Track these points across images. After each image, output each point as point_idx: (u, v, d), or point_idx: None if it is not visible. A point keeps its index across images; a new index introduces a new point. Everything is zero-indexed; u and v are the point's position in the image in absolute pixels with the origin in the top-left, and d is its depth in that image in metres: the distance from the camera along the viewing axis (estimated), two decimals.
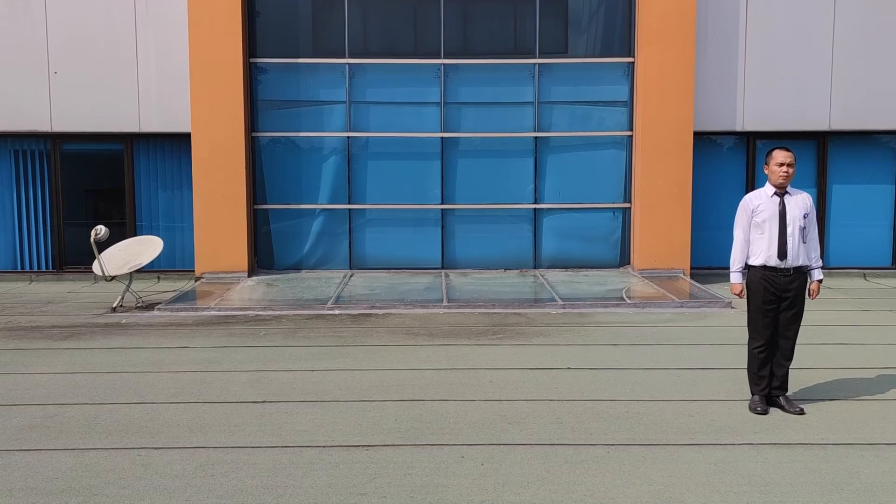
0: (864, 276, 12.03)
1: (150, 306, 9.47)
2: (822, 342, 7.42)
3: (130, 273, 9.70)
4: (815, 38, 11.78)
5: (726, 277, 11.89)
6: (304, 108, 11.78)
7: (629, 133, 11.67)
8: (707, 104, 11.73)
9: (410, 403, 5.42)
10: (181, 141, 11.74)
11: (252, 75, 11.59)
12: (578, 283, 10.86)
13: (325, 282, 11.02)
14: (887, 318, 8.71)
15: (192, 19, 11.05)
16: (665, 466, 4.24)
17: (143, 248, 9.98)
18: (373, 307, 9.24)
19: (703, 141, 11.98)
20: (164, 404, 5.45)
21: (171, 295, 10.26)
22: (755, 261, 5.20)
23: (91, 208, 12.37)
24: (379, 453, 4.46)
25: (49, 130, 11.84)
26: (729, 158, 12.25)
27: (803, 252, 5.17)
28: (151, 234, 11.44)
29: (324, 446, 4.57)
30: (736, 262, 5.30)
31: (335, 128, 11.74)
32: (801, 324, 5.26)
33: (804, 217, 5.15)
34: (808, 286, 5.29)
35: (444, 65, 11.64)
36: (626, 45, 11.64)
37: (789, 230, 5.12)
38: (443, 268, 11.81)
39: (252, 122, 11.61)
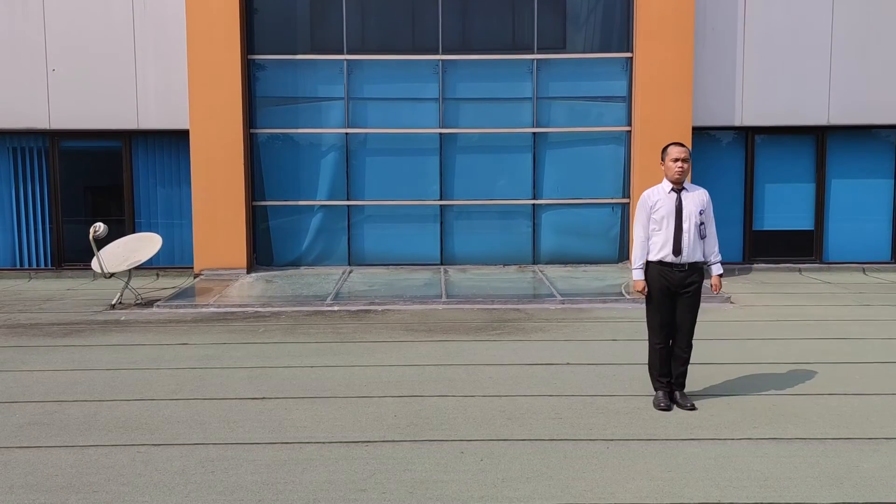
0: (864, 270, 12.04)
1: (149, 303, 9.47)
2: (821, 337, 7.43)
3: (129, 270, 9.70)
4: (814, 32, 11.77)
5: (725, 273, 11.90)
6: (302, 104, 11.76)
7: (628, 128, 11.66)
8: (706, 99, 11.73)
9: (410, 399, 5.43)
10: (180, 138, 11.73)
11: (250, 72, 11.57)
12: (577, 278, 10.86)
13: (324, 278, 11.02)
14: (886, 312, 8.72)
15: (191, 16, 11.03)
16: (665, 461, 4.24)
17: (142, 245, 9.97)
18: (372, 303, 9.24)
19: (702, 136, 11.98)
20: (164, 401, 5.45)
21: (170, 292, 10.25)
22: (653, 256, 5.19)
23: (90, 205, 12.36)
24: (378, 449, 4.46)
25: (47, 128, 11.82)
26: (727, 153, 12.25)
27: (699, 248, 5.17)
28: (150, 231, 11.43)
29: (323, 442, 4.58)
30: (637, 260, 5.27)
31: (333, 124, 11.74)
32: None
33: (700, 213, 5.14)
34: (710, 281, 5.34)
35: (443, 61, 11.63)
36: (624, 40, 11.63)
37: (685, 226, 5.11)
38: (441, 264, 11.82)
39: (250, 118, 11.60)
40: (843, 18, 11.75)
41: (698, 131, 11.76)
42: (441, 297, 9.52)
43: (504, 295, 9.56)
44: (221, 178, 11.21)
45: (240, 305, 9.25)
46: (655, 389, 5.29)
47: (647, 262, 5.23)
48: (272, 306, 9.19)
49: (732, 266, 12.15)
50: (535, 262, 11.85)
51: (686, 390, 5.35)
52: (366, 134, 11.78)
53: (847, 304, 9.33)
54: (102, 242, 9.86)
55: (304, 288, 10.32)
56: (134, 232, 11.59)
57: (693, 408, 5.14)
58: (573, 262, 11.81)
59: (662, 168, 5.27)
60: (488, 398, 5.43)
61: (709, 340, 7.34)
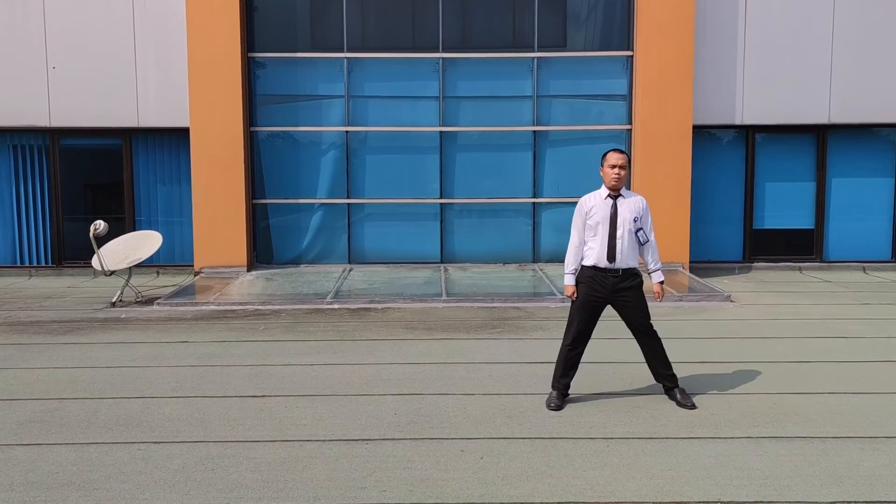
0: (864, 269, 12.04)
1: (149, 301, 9.47)
2: (821, 335, 7.43)
3: (130, 268, 9.70)
4: (815, 30, 11.76)
5: (725, 272, 12.00)
6: (302, 102, 11.76)
7: (628, 127, 11.66)
8: (706, 98, 11.72)
9: (410, 397, 5.43)
10: (180, 136, 11.73)
11: (250, 70, 11.56)
12: None
13: (324, 276, 11.02)
14: (886, 311, 8.72)
15: (191, 14, 11.02)
16: (665, 460, 4.24)
17: (143, 243, 9.97)
18: (372, 301, 9.24)
19: (702, 135, 11.97)
20: (164, 398, 5.45)
21: (170, 290, 10.25)
22: (587, 261, 5.20)
23: (90, 203, 12.36)
24: (378, 447, 4.46)
25: (48, 125, 11.82)
26: (728, 152, 12.24)
27: (633, 254, 5.18)
28: (150, 228, 11.42)
29: (323, 440, 4.58)
30: (570, 265, 5.27)
31: (334, 122, 11.73)
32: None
33: (635, 220, 5.15)
34: (652, 289, 5.36)
35: (443, 59, 11.62)
36: (625, 38, 11.62)
37: (619, 233, 5.12)
38: (442, 262, 11.82)
39: (250, 116, 11.59)
40: (843, 16, 11.74)
41: (699, 130, 11.75)
42: (441, 295, 9.52)
43: (504, 293, 9.56)
44: (221, 175, 11.21)
45: (240, 303, 9.25)
46: (552, 388, 5.27)
47: (582, 266, 5.24)
48: (272, 304, 9.19)
49: (733, 265, 12.16)
50: (535, 261, 11.85)
51: (687, 388, 5.34)
52: (366, 132, 11.77)
53: (847, 302, 9.33)
54: (103, 240, 9.86)
55: (304, 286, 10.32)
56: (134, 230, 11.59)
57: (693, 406, 5.14)
58: None
59: (601, 174, 5.25)
60: (488, 396, 5.43)
61: (709, 339, 7.35)
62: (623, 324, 5.38)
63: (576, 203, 5.34)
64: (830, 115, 11.89)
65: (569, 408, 5.15)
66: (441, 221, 11.85)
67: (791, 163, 12.23)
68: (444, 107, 11.69)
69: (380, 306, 9.09)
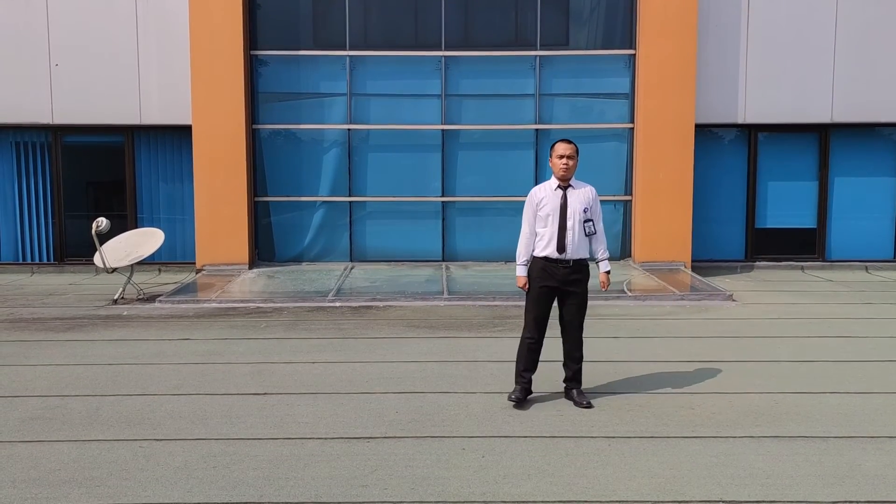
0: (866, 268, 12.03)
1: (151, 298, 9.47)
2: (823, 335, 7.43)
3: (131, 265, 9.71)
4: (817, 29, 11.74)
5: (728, 271, 12.00)
6: (304, 100, 11.76)
7: (630, 125, 11.64)
8: (708, 96, 11.70)
9: (411, 395, 5.43)
10: (182, 133, 11.73)
11: (253, 67, 11.56)
12: None
13: (326, 274, 11.02)
14: (889, 310, 8.70)
15: (193, 11, 11.02)
16: (666, 459, 4.24)
17: (144, 241, 9.98)
18: (373, 299, 9.24)
19: (705, 133, 11.96)
20: (166, 396, 5.46)
21: (172, 287, 10.26)
22: (538, 252, 5.19)
23: (92, 200, 12.37)
24: (380, 445, 4.46)
25: (50, 122, 11.82)
26: (730, 151, 12.23)
27: (584, 245, 5.17)
28: (152, 226, 11.42)
29: (325, 438, 4.58)
30: (521, 256, 5.27)
31: (336, 120, 11.73)
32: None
33: (585, 210, 5.14)
34: (598, 278, 5.35)
35: (445, 57, 11.62)
36: (627, 37, 11.61)
37: (569, 224, 5.11)
38: (443, 260, 11.81)
39: (253, 114, 11.59)
40: (846, 16, 11.71)
41: (701, 129, 11.73)
42: (443, 293, 9.52)
43: (506, 291, 9.54)
44: (223, 173, 11.21)
45: (242, 301, 9.25)
46: (515, 383, 5.26)
47: (533, 258, 5.22)
48: (274, 302, 9.20)
49: (735, 264, 12.15)
50: None
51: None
52: (368, 130, 11.77)
53: (850, 302, 9.32)
54: (105, 237, 9.86)
55: (305, 284, 10.32)
56: (136, 227, 11.59)
57: (589, 405, 5.11)
58: None
59: (550, 165, 5.24)
60: (490, 395, 5.43)
61: (711, 338, 7.34)
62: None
63: None
64: (833, 115, 11.88)
65: (569, 407, 5.14)
66: (443, 220, 11.84)
67: (793, 162, 12.22)
68: (446, 105, 11.68)
69: (381, 304, 9.09)
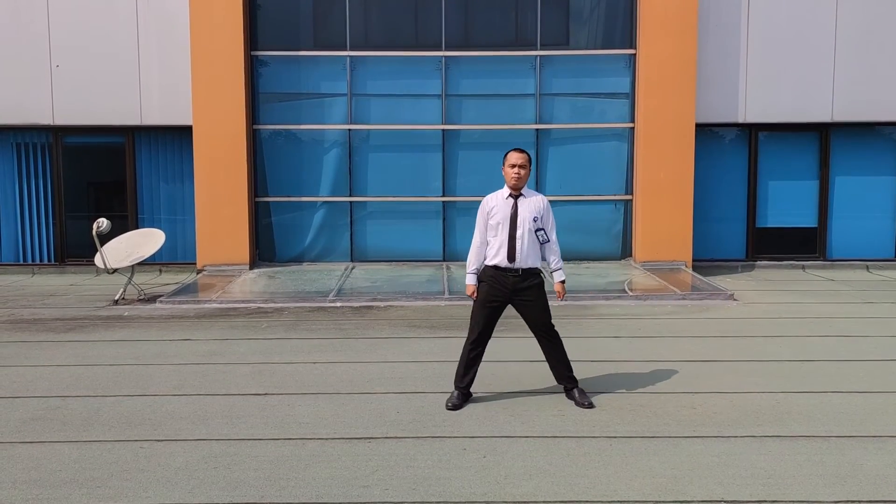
0: (867, 267, 12.02)
1: (152, 299, 9.47)
2: (825, 334, 7.42)
3: (132, 266, 9.71)
4: (818, 29, 11.73)
5: (728, 270, 11.98)
6: (305, 100, 11.76)
7: (631, 125, 11.64)
8: (709, 96, 11.70)
9: (412, 395, 5.43)
10: (182, 134, 11.74)
11: (253, 68, 11.56)
12: (580, 275, 10.85)
13: (327, 274, 11.02)
14: (890, 310, 8.70)
15: (194, 12, 11.02)
16: (668, 459, 4.23)
17: (145, 241, 9.98)
18: (374, 299, 9.24)
19: (705, 133, 11.95)
20: (167, 396, 5.45)
21: (172, 287, 10.26)
22: (489, 261, 5.18)
23: (93, 201, 12.37)
24: (381, 446, 4.46)
25: (51, 123, 11.83)
26: (731, 150, 12.22)
27: (534, 254, 5.15)
28: (153, 226, 11.43)
29: (326, 438, 4.58)
30: (471, 264, 5.26)
31: (336, 120, 11.73)
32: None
33: (534, 220, 5.13)
34: (553, 288, 5.33)
35: (446, 57, 11.61)
36: (627, 36, 11.61)
37: (519, 232, 5.10)
38: (444, 260, 11.81)
39: (253, 114, 11.60)
40: (846, 15, 11.71)
41: (702, 128, 11.73)
42: (444, 293, 9.52)
43: None
44: (224, 173, 11.21)
45: (242, 301, 9.25)
46: (455, 387, 5.25)
47: (484, 267, 5.21)
48: (275, 302, 9.19)
49: (736, 263, 12.14)
50: None
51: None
52: (368, 130, 11.77)
53: (851, 301, 9.31)
54: (105, 238, 9.86)
55: (306, 284, 10.32)
56: (137, 227, 11.59)
57: (591, 405, 5.10)
58: (576, 259, 11.79)
59: (503, 174, 5.24)
60: (490, 394, 5.43)
61: (712, 338, 7.33)
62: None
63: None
64: (833, 114, 11.87)
65: (571, 407, 5.14)
66: (443, 219, 11.84)
67: (794, 161, 12.21)
68: (447, 105, 11.68)
69: (382, 304, 9.09)
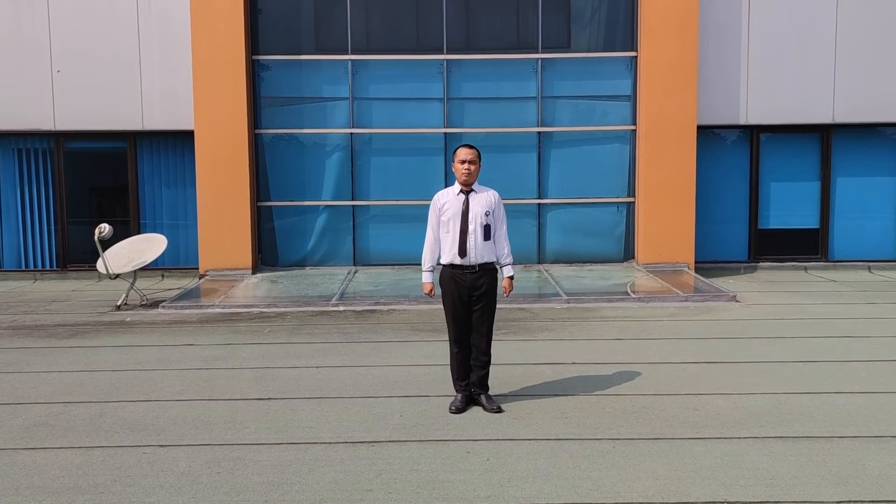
0: (869, 268, 12.01)
1: (154, 304, 9.48)
2: (827, 335, 7.41)
3: (135, 271, 9.72)
4: (818, 30, 11.73)
5: (731, 271, 11.98)
6: (307, 104, 11.77)
7: (632, 127, 11.64)
8: (710, 98, 11.70)
9: (415, 399, 5.43)
10: (184, 138, 11.75)
11: (255, 72, 11.58)
12: (583, 277, 10.85)
13: (329, 278, 11.03)
14: (892, 310, 8.68)
15: (195, 17, 11.04)
16: (671, 460, 4.23)
17: (148, 246, 9.99)
18: (377, 303, 9.24)
19: (707, 134, 11.95)
20: (170, 402, 5.46)
21: (175, 292, 10.27)
22: (444, 259, 5.18)
23: (95, 206, 12.39)
24: (384, 449, 4.46)
25: (52, 129, 11.85)
26: (732, 152, 12.22)
27: (487, 249, 5.14)
28: (155, 231, 11.45)
29: (329, 443, 4.58)
30: (426, 262, 5.27)
31: (338, 124, 11.74)
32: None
33: (486, 214, 5.12)
34: (500, 283, 5.29)
35: (447, 60, 11.63)
36: (628, 39, 11.61)
37: (471, 227, 5.09)
38: None
39: (255, 119, 11.61)
40: (846, 16, 11.70)
41: (703, 130, 11.73)
42: None
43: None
44: (226, 178, 11.22)
45: (245, 306, 9.26)
46: (455, 391, 5.25)
47: (442, 267, 5.21)
48: (277, 306, 9.20)
49: (738, 264, 12.13)
50: (540, 262, 11.84)
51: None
52: (370, 134, 11.78)
53: (853, 302, 9.30)
54: (107, 243, 9.87)
55: (309, 288, 10.32)
56: (139, 233, 11.61)
57: (499, 410, 5.08)
58: (578, 261, 11.79)
59: (454, 170, 5.25)
60: (494, 398, 5.41)
61: (715, 339, 7.33)
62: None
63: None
64: (834, 115, 11.86)
65: (574, 409, 5.14)
66: None
67: (795, 162, 12.21)
68: (449, 108, 11.69)
69: (385, 308, 9.09)
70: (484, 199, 5.19)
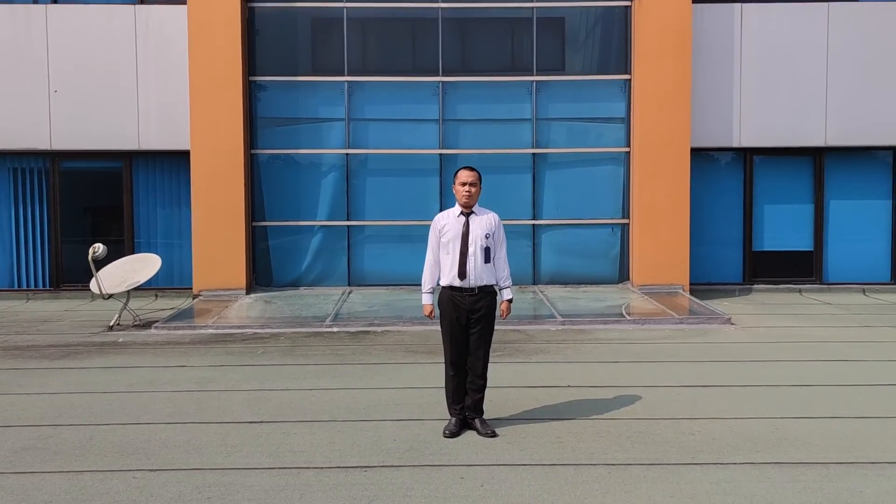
0: (864, 291, 12.02)
1: (147, 324, 9.43)
2: (822, 359, 7.40)
3: (128, 291, 9.67)
4: (810, 53, 11.83)
5: (725, 293, 11.96)
6: (303, 125, 11.80)
7: (627, 149, 11.69)
8: (704, 120, 11.76)
9: (409, 423, 5.38)
10: (180, 158, 11.75)
11: (251, 93, 11.61)
12: (578, 299, 10.84)
13: (324, 299, 10.99)
14: (887, 333, 8.68)
15: (192, 38, 11.09)
16: (667, 486, 4.19)
17: (141, 266, 9.95)
18: (371, 324, 9.20)
19: (701, 157, 12.00)
20: (161, 424, 5.40)
21: (168, 313, 10.21)
22: (443, 281, 5.18)
23: (89, 226, 12.35)
24: (377, 474, 4.41)
25: (48, 148, 11.84)
26: (726, 174, 12.27)
27: (487, 272, 5.14)
28: (149, 251, 11.40)
29: (322, 467, 4.53)
30: (426, 284, 5.27)
31: (334, 145, 11.76)
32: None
33: (486, 237, 5.13)
34: (499, 306, 5.29)
35: (443, 82, 11.68)
36: (622, 62, 11.69)
37: (471, 250, 5.09)
38: None
39: (251, 139, 11.63)
40: (838, 39, 11.81)
41: (697, 152, 11.78)
42: None
43: None
44: (221, 198, 11.21)
45: (238, 327, 9.21)
46: (450, 415, 5.21)
47: (441, 289, 5.20)
48: (271, 327, 9.15)
49: (733, 287, 12.13)
50: (535, 283, 11.83)
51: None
52: (366, 154, 11.80)
53: (848, 325, 9.30)
54: (101, 263, 9.83)
55: (303, 309, 10.28)
56: (133, 252, 11.57)
57: (494, 434, 5.04)
58: (573, 283, 11.78)
59: (454, 191, 5.26)
60: (488, 421, 5.37)
61: (710, 362, 7.30)
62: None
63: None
64: (827, 138, 11.93)
65: (569, 433, 5.10)
66: None
67: (789, 185, 12.26)
68: (444, 129, 11.73)
69: (379, 329, 9.05)
70: (484, 222, 5.18)
